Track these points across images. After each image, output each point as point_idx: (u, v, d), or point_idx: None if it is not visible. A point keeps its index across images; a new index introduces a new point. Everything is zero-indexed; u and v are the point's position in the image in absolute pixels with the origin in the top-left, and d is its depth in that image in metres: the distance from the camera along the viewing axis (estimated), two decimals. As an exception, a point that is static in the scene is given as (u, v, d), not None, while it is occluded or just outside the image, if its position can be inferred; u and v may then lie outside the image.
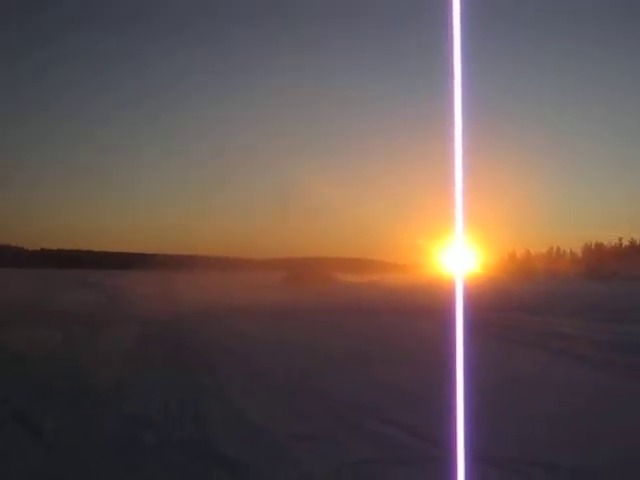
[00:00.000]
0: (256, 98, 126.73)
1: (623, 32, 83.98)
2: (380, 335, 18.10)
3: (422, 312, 24.56)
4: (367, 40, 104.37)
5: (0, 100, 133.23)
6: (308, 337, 17.15)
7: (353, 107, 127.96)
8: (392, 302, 32.85)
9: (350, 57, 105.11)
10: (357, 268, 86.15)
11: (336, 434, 7.50)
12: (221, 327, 18.91)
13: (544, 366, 12.70)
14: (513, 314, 24.83)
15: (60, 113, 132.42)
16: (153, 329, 18.05)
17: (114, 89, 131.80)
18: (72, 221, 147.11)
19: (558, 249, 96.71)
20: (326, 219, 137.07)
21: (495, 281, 54.56)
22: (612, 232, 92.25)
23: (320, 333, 18.18)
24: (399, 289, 47.64)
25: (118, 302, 30.59)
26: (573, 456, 6.58)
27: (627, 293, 41.61)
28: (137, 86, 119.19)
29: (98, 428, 7.64)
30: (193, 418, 8.17)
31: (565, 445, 6.99)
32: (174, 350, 13.99)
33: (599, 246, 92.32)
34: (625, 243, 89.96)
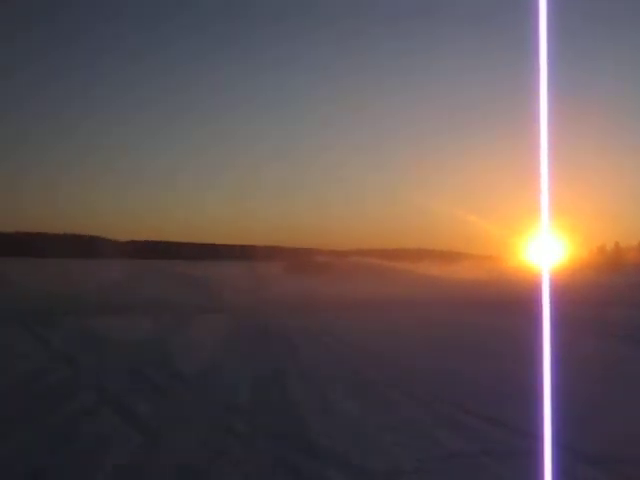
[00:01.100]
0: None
1: None
2: (467, 327, 17.98)
3: (510, 305, 24.24)
4: (456, 39, 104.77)
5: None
6: (391, 328, 17.21)
7: (439, 102, 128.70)
8: (478, 295, 32.52)
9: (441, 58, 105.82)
10: (444, 259, 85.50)
11: (423, 426, 7.51)
12: (311, 320, 19.09)
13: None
14: (607, 308, 24.21)
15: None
16: (241, 318, 18.36)
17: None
18: (163, 214, 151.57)
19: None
20: (414, 212, 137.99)
21: (585, 275, 53.29)
22: None
23: (403, 324, 18.22)
24: (485, 282, 47.09)
25: (205, 292, 31.16)
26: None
27: None
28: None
29: (189, 414, 7.85)
30: (281, 406, 8.32)
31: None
32: (260, 338, 14.21)
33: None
34: None
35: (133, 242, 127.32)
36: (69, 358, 11.26)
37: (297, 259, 75.72)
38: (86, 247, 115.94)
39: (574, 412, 7.04)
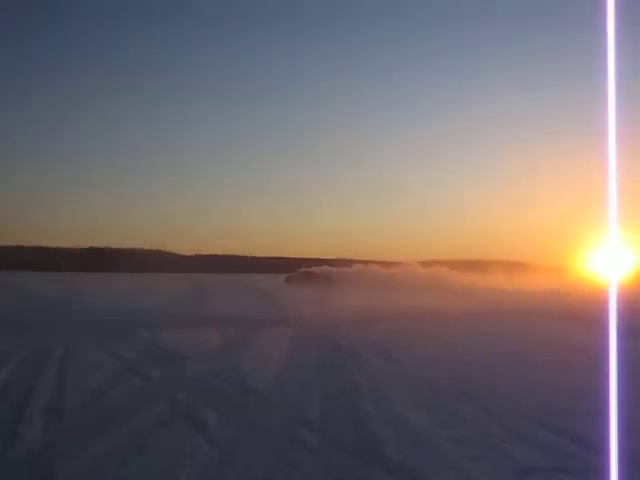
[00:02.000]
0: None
1: None
2: (538, 339, 17.71)
3: (581, 317, 23.76)
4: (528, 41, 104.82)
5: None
6: (460, 340, 17.07)
7: (506, 109, 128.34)
8: (547, 306, 31.94)
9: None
10: (509, 270, 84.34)
11: (497, 439, 7.41)
12: (380, 332, 19.06)
13: None
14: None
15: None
16: (308, 331, 18.43)
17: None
18: (228, 228, 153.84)
19: None
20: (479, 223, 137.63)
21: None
22: None
23: (472, 335, 18.03)
24: (553, 292, 46.23)
25: (272, 305, 31.38)
26: None
27: None
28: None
29: (260, 427, 7.89)
30: (352, 420, 8.30)
31: None
32: (329, 352, 14.24)
33: None
34: None
35: (199, 256, 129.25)
36: (140, 371, 11.47)
37: (364, 271, 75.72)
38: (154, 261, 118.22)
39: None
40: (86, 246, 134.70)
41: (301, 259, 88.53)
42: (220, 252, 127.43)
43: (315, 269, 70.81)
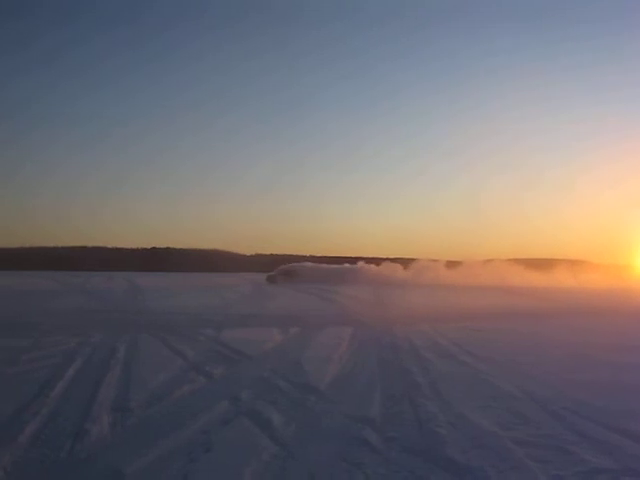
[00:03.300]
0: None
1: None
2: (601, 339, 17.34)
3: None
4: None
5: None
6: (523, 338, 16.81)
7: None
8: (608, 304, 31.29)
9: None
10: (572, 268, 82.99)
11: (562, 441, 7.30)
12: (439, 331, 18.93)
13: None
14: None
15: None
16: (368, 331, 18.40)
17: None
18: (287, 227, 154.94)
19: None
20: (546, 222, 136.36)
21: None
22: None
23: (535, 334, 17.74)
24: (614, 290, 45.33)
25: (332, 304, 31.40)
26: None
27: None
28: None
29: (322, 425, 7.94)
30: (414, 419, 8.28)
31: None
32: (390, 352, 14.19)
33: None
34: None
35: (259, 255, 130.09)
36: (204, 369, 11.62)
37: (426, 269, 75.42)
38: (214, 261, 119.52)
39: None
40: (148, 246, 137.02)
41: (364, 258, 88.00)
42: (280, 252, 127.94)
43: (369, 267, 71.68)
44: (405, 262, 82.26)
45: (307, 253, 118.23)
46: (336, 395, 9.67)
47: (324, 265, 75.81)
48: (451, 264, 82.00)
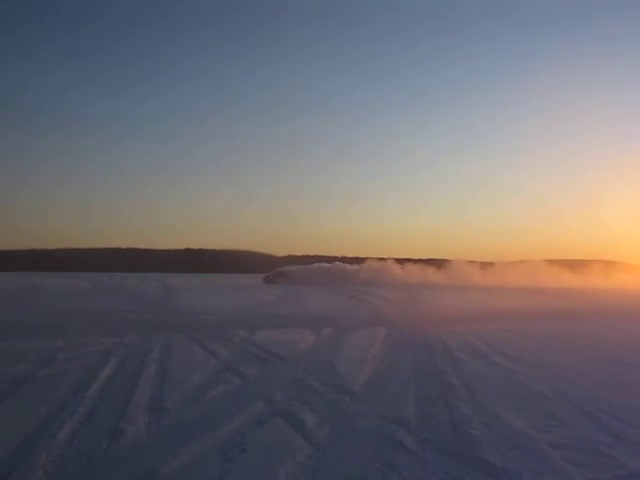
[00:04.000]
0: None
1: None
2: (637, 336, 17.12)
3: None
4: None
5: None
6: (557, 340, 16.64)
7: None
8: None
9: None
10: (605, 269, 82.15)
11: (598, 443, 7.21)
12: (472, 331, 18.81)
13: None
14: None
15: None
16: (401, 332, 18.34)
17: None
18: (320, 228, 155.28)
19: None
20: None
21: None
22: None
23: (570, 336, 17.55)
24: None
25: (364, 305, 31.38)
26: None
27: None
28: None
29: (356, 426, 7.92)
30: (449, 421, 8.23)
31: None
32: (423, 353, 14.14)
33: None
34: None
35: (290, 257, 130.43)
36: (238, 370, 11.67)
37: (459, 271, 75.18)
38: (247, 262, 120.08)
39: None
40: (182, 248, 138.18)
41: (394, 258, 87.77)
42: (311, 253, 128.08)
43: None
44: (438, 263, 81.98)
45: (338, 254, 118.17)
46: (370, 396, 9.66)
47: (316, 265, 76.36)
48: (484, 265, 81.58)
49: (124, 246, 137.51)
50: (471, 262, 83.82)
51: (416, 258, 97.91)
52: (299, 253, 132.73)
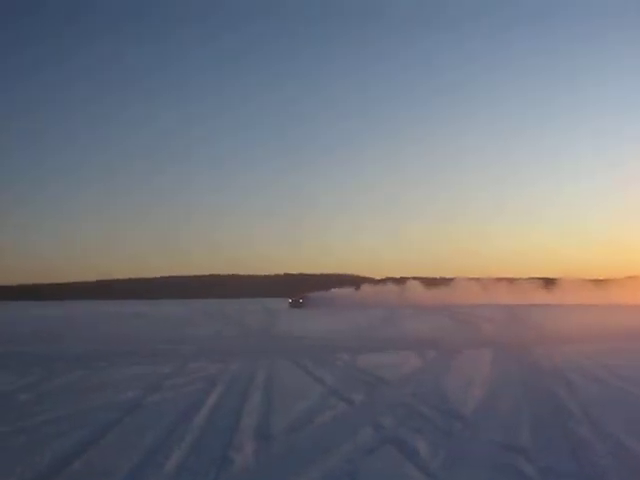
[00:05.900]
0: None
1: None
2: None
3: None
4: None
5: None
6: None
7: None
8: None
9: None
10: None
11: None
12: (581, 351, 18.07)
13: None
14: None
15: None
16: (507, 353, 17.78)
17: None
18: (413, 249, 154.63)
19: None
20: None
21: None
22: None
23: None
24: None
25: (465, 326, 30.79)
26: None
27: None
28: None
29: (470, 454, 7.58)
30: (569, 447, 7.75)
31: None
32: (532, 374, 13.59)
33: None
34: None
35: (389, 279, 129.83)
36: (344, 395, 11.44)
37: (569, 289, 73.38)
38: (347, 284, 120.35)
39: None
40: (281, 272, 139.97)
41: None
42: (409, 275, 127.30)
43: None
44: (548, 281, 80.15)
45: (438, 275, 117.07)
46: (482, 421, 9.28)
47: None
48: (593, 282, 78.99)
49: (224, 273, 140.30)
50: (582, 280, 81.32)
51: (525, 277, 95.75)
52: (397, 275, 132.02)
